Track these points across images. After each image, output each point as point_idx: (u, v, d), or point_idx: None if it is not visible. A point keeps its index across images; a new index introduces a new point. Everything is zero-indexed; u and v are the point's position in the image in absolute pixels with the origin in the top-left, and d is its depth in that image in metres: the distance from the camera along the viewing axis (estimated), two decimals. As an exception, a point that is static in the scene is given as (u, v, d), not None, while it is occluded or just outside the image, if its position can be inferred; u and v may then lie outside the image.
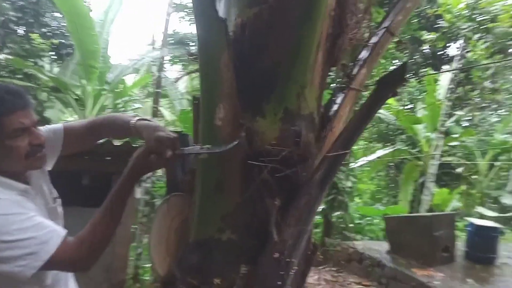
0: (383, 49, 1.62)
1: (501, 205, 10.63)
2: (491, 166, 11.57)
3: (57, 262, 1.05)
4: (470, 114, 11.68)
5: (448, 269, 6.16)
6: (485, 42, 6.78)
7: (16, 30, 9.00)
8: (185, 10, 14.17)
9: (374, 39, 1.59)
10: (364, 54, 1.58)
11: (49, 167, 1.37)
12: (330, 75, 1.70)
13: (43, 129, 1.28)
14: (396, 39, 1.66)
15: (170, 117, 12.57)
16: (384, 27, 1.58)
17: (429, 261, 6.12)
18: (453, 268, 6.32)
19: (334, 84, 1.67)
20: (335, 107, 1.53)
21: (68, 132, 1.37)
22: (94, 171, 3.89)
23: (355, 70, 1.57)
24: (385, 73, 1.33)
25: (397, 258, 6.36)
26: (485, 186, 11.51)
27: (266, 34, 1.36)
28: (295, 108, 1.35)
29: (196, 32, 1.35)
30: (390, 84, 1.22)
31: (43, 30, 9.24)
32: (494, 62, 7.94)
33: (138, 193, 5.60)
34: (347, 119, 1.55)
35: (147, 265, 5.20)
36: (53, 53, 9.67)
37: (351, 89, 1.54)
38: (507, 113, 12.77)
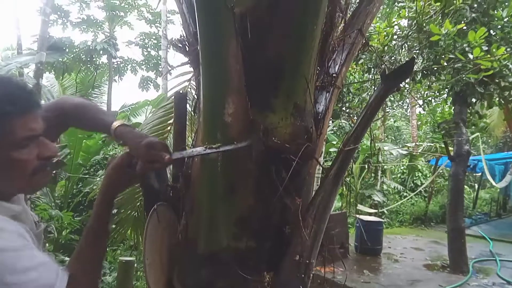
0: (357, 49, 1.70)
1: (373, 202, 12.10)
2: (362, 169, 13.13)
3: None
4: (344, 123, 13.06)
5: (345, 263, 6.73)
6: (360, 59, 7.69)
7: None
8: (59, 12, 12.78)
9: (348, 40, 1.65)
10: (341, 54, 1.63)
11: None
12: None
13: None
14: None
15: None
16: (358, 29, 1.66)
17: (329, 258, 6.59)
18: (349, 262, 6.94)
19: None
20: (322, 104, 1.53)
21: None
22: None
23: (336, 69, 1.60)
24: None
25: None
26: (359, 186, 12.99)
27: (268, 24, 1.28)
28: (302, 103, 1.30)
29: (198, 19, 1.21)
30: (395, 79, 1.28)
31: None
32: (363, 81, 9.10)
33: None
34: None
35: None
36: None
37: (337, 87, 1.56)
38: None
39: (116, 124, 1.15)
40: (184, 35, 1.47)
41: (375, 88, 1.33)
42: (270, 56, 1.28)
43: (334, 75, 1.59)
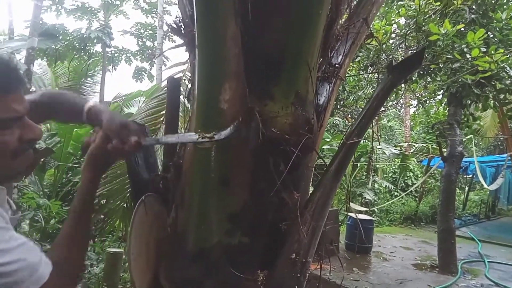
0: (360, 40, 1.62)
1: (364, 200, 12.10)
2: (354, 167, 13.12)
3: None
4: (338, 120, 13.04)
5: (334, 261, 6.69)
6: (357, 56, 7.60)
7: None
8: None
9: (353, 30, 1.58)
10: (345, 43, 1.55)
11: None
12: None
13: None
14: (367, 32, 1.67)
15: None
16: (363, 18, 1.58)
17: (319, 255, 6.56)
18: (338, 259, 6.91)
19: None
20: (323, 96, 1.46)
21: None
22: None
23: (339, 59, 1.53)
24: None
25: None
26: (350, 184, 12.99)
27: (271, 5, 1.20)
28: (304, 92, 1.23)
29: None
30: (404, 70, 1.20)
31: None
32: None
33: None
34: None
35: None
36: None
37: (339, 78, 1.49)
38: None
39: (89, 104, 1.06)
40: (180, 16, 1.38)
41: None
42: (271, 41, 1.20)
43: (337, 65, 1.51)
